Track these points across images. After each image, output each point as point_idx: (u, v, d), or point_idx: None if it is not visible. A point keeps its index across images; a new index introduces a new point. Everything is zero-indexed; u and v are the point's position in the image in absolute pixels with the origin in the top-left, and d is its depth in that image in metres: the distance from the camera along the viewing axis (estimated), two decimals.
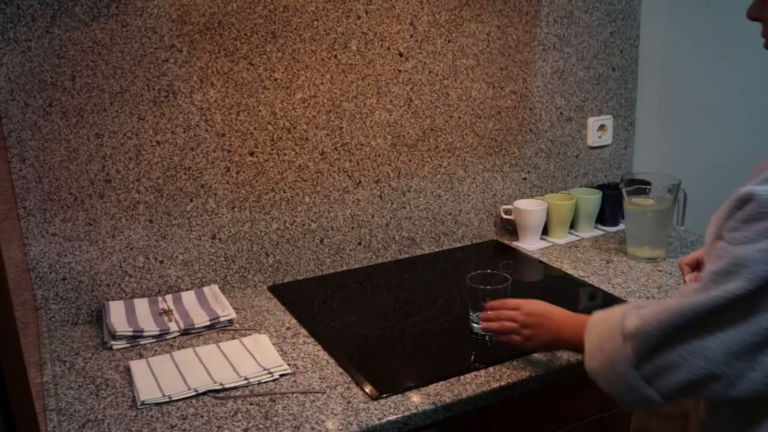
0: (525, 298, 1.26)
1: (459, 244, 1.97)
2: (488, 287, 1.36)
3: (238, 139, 1.63)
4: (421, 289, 1.69)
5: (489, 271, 1.43)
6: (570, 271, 1.75)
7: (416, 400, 1.23)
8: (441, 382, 1.28)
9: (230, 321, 1.52)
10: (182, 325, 1.48)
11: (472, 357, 1.35)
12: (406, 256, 1.89)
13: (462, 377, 1.29)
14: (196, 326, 1.49)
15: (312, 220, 1.76)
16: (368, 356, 1.38)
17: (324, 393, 1.25)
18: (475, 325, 1.40)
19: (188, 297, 1.61)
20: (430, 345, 1.41)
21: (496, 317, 1.27)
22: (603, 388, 1.01)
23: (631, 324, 0.94)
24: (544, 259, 1.84)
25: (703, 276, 0.89)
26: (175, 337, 1.47)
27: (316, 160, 1.73)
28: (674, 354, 0.89)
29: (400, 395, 1.24)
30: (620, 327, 0.96)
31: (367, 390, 1.26)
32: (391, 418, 1.18)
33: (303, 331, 1.49)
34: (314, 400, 1.23)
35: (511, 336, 1.25)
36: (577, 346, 1.10)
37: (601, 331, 1.00)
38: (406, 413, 1.19)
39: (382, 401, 1.23)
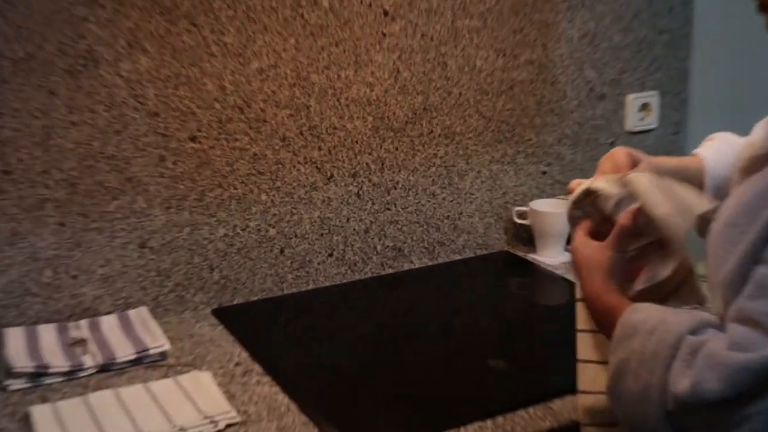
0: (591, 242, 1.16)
1: (459, 257, 1.96)
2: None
3: (177, 121, 1.63)
4: (410, 313, 1.69)
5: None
6: None
7: None
8: None
9: (163, 354, 1.52)
10: (100, 360, 1.47)
11: (477, 402, 1.35)
12: (391, 271, 1.89)
13: (462, 429, 1.28)
14: (119, 361, 1.48)
15: (270, 225, 1.75)
16: (341, 400, 1.38)
17: None
18: None
19: (109, 323, 1.60)
20: (421, 386, 1.41)
21: None
22: (615, 410, 1.04)
23: (683, 385, 0.94)
24: (570, 277, 1.80)
25: (757, 318, 0.90)
26: (90, 375, 1.46)
27: (276, 147, 1.72)
28: (727, 414, 0.91)
29: None
30: (664, 366, 0.96)
31: None
32: None
33: (257, 367, 1.48)
34: None
35: None
36: (601, 331, 1.11)
37: (640, 352, 1.00)
38: None
39: None
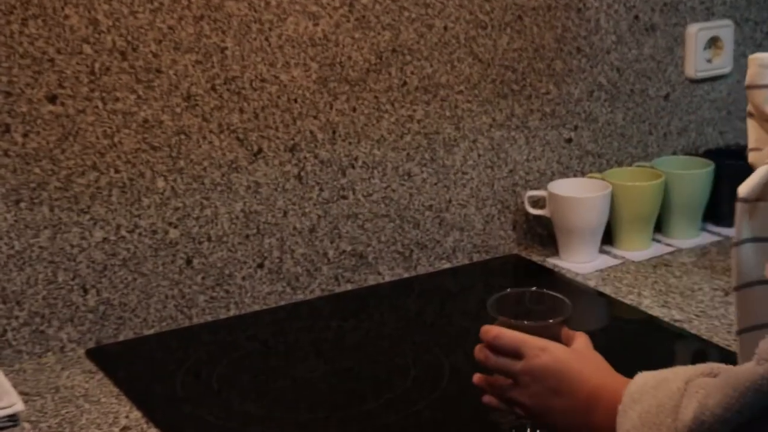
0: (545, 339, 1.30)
1: (448, 264, 2.00)
2: (526, 323, 1.33)
3: (26, 72, 1.62)
4: (377, 349, 1.71)
5: (532, 289, 1.40)
6: (656, 312, 1.77)
7: None
8: None
9: (13, 418, 1.52)
10: None
11: None
12: (350, 287, 1.92)
13: None
14: None
15: (170, 224, 1.76)
16: None
17: None
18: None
19: None
20: None
21: (485, 361, 1.32)
22: None
23: (687, 415, 1.02)
24: (607, 290, 1.87)
25: None
26: None
27: (177, 110, 1.73)
28: None
29: None
30: (673, 413, 1.05)
31: None
32: None
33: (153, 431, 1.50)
34: None
35: (500, 400, 1.33)
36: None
37: (647, 412, 1.09)
38: None
39: None
